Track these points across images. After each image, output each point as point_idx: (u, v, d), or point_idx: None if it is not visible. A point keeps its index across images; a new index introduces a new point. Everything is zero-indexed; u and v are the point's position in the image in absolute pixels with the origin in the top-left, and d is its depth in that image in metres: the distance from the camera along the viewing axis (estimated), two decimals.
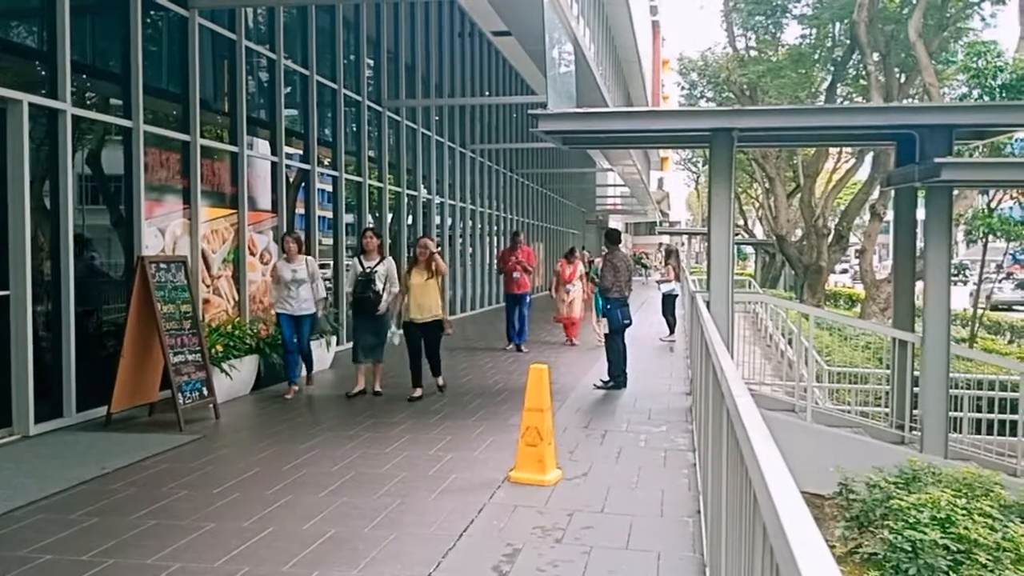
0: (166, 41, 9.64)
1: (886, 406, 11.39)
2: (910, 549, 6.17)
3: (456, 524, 5.08)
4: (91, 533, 4.92)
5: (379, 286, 9.36)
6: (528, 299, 14.09)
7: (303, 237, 10.28)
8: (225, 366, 8.79)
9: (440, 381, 9.66)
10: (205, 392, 8.24)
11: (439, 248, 9.30)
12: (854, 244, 35.72)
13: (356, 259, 9.67)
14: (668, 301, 16.36)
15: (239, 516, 5.22)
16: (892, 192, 11.27)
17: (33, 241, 7.28)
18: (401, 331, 9.29)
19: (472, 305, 21.64)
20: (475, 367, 11.86)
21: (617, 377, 10.18)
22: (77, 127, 7.95)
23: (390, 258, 9.83)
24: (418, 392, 9.23)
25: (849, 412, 11.94)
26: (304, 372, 9.92)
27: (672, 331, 15.96)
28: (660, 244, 60.52)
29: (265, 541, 4.78)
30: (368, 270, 9.41)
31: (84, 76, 8.26)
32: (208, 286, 9.89)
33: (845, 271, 54.62)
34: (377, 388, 9.56)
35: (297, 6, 12.21)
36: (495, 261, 15.14)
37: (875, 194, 24.85)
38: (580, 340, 14.69)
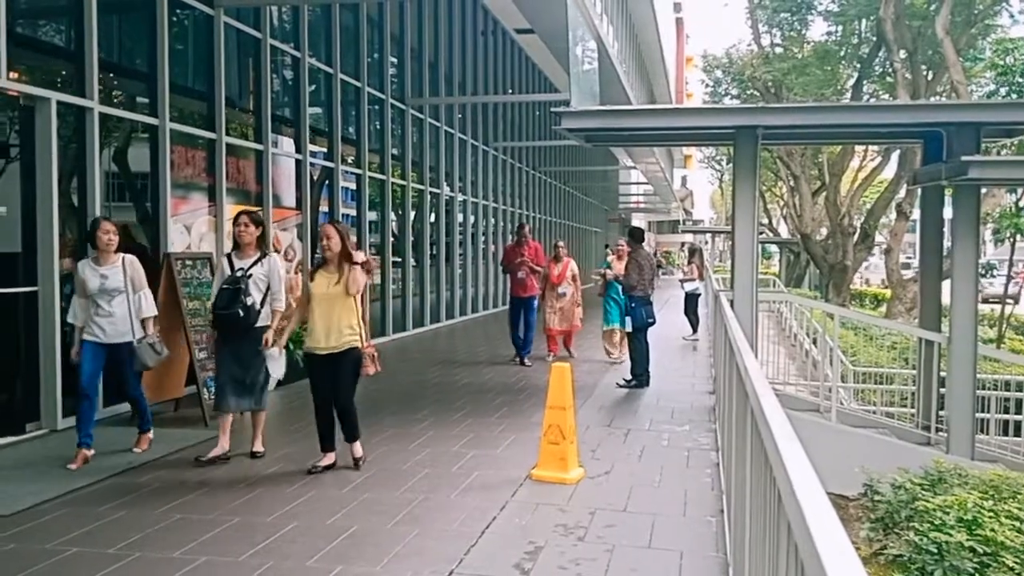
0: (192, 40, 9.71)
1: (912, 407, 11.30)
2: (936, 551, 6.12)
3: (478, 521, 5.09)
4: (117, 526, 4.98)
5: (254, 297, 6.49)
6: (536, 303, 12.18)
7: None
8: None
9: (357, 450, 6.38)
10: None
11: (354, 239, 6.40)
12: (880, 243, 35.41)
13: (225, 257, 6.78)
14: (691, 300, 16.30)
15: (263, 511, 5.25)
16: (919, 190, 11.18)
17: (61, 238, 7.36)
18: (281, 358, 6.43)
19: (495, 303, 21.65)
20: (497, 366, 11.84)
21: (640, 376, 10.15)
22: (104, 125, 8.03)
23: (274, 256, 6.89)
24: (329, 458, 6.28)
25: (874, 412, 11.86)
26: (137, 427, 6.92)
27: (695, 330, 15.89)
28: (683, 243, 60.32)
29: (289, 536, 4.81)
30: (239, 273, 6.51)
31: (111, 74, 8.34)
32: None
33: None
34: (256, 447, 6.67)
35: (321, 4, 12.27)
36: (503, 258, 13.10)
37: (901, 192, 24.66)
38: (577, 351, 12.71)
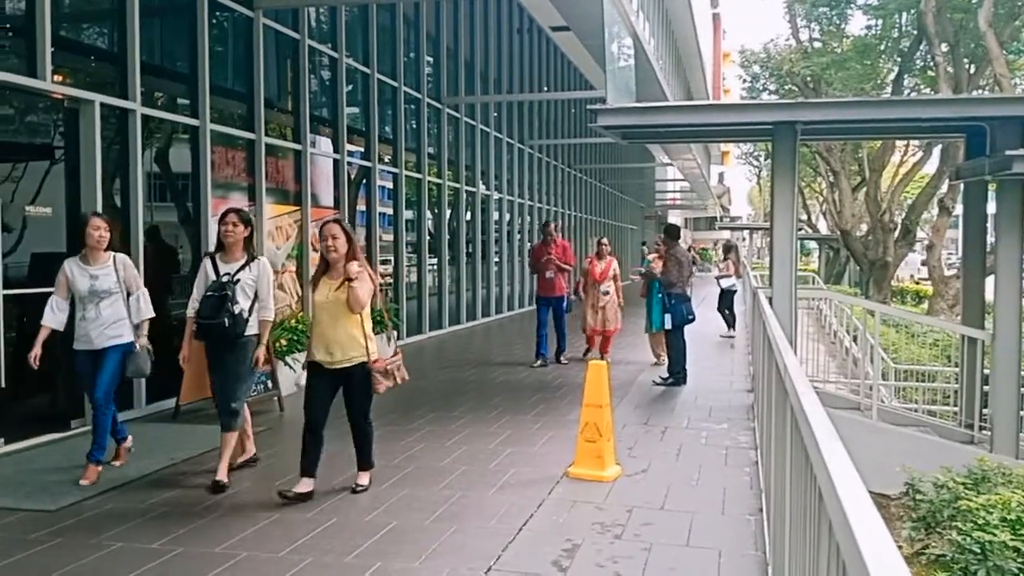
0: (231, 41, 9.83)
1: (954, 405, 11.16)
2: (979, 551, 6.03)
3: (516, 518, 5.10)
4: (160, 521, 5.05)
5: (242, 305, 5.81)
6: (566, 303, 11.75)
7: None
8: (289, 359, 8.95)
9: (363, 479, 5.72)
10: (270, 385, 8.40)
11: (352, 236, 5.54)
12: (921, 239, 34.92)
13: (208, 259, 6.04)
14: (726, 296, 16.14)
15: (303, 507, 5.30)
16: (961, 186, 11.03)
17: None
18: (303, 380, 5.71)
19: (531, 301, 21.65)
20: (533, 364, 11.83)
21: (677, 374, 10.10)
22: (146, 126, 8.15)
23: (264, 259, 6.12)
24: (306, 485, 5.45)
25: (916, 411, 11.72)
26: (114, 441, 6.25)
27: (732, 327, 15.73)
28: (716, 241, 59.84)
29: (329, 532, 4.86)
30: (225, 278, 5.84)
31: (153, 76, 8.46)
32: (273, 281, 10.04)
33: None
34: (220, 476, 5.72)
35: (359, 5, 12.35)
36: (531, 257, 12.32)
37: (943, 188, 24.29)
38: (613, 352, 12.01)
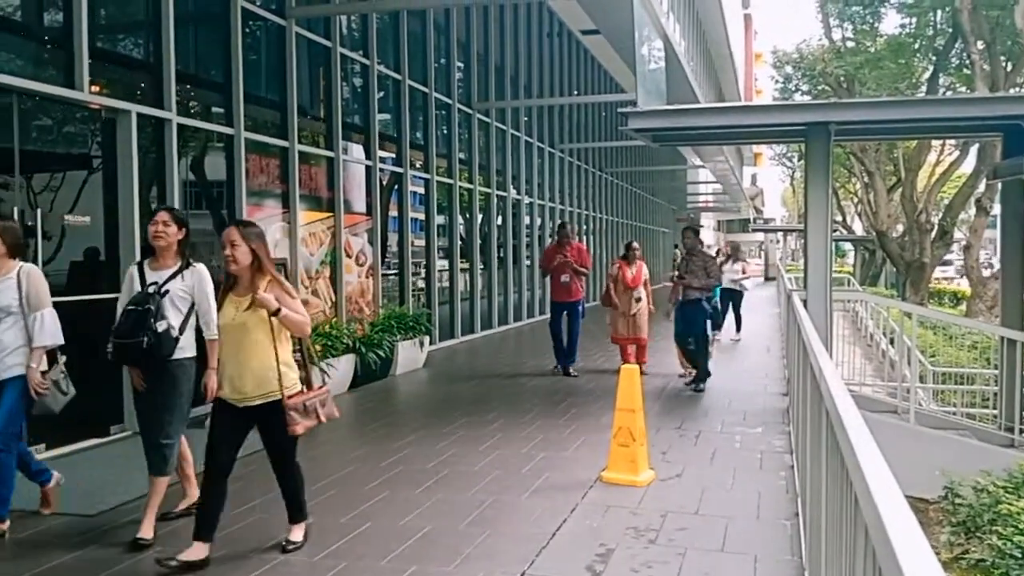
0: (265, 50, 9.94)
1: (994, 408, 10.99)
2: (1020, 555, 5.94)
3: (549, 523, 5.10)
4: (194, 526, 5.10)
5: (169, 321, 4.80)
6: (580, 309, 11.11)
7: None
8: (323, 365, 9.00)
9: (296, 534, 4.72)
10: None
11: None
12: (959, 240, 34.44)
13: (135, 267, 5.11)
14: (737, 297, 16.01)
15: (337, 512, 5.34)
16: (999, 185, 10.86)
17: (142, 246, 7.59)
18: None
19: None
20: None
21: (704, 372, 10.03)
22: (182, 135, 8.26)
23: (200, 267, 5.03)
24: (199, 551, 4.40)
25: (955, 414, 11.56)
26: (38, 485, 5.29)
27: (739, 329, 15.63)
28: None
29: (363, 536, 4.89)
30: (151, 289, 4.86)
31: (188, 86, 8.58)
32: (307, 287, 10.14)
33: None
34: (144, 532, 4.81)
35: (390, 12, 12.43)
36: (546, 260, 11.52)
37: (981, 187, 23.93)
38: (650, 366, 11.18)
